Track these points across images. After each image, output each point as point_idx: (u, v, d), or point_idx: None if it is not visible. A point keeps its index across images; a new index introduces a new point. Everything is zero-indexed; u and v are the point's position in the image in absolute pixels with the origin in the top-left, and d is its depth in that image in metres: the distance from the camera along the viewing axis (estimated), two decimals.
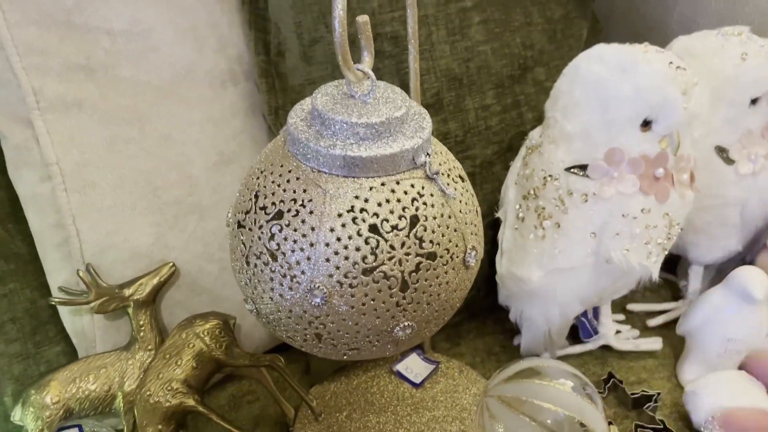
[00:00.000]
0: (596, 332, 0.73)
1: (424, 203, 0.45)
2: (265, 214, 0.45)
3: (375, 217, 0.43)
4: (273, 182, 0.46)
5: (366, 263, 0.43)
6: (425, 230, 0.44)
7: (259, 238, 0.45)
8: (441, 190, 0.46)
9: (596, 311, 0.73)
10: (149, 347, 0.63)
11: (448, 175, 0.47)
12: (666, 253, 0.65)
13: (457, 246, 0.46)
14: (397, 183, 0.44)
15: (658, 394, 0.67)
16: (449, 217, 0.46)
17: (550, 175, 0.65)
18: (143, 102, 0.64)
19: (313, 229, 0.43)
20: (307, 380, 0.74)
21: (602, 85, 0.62)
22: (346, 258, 0.43)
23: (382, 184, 0.44)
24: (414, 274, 0.45)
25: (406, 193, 0.44)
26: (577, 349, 0.74)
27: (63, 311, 0.64)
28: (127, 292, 0.62)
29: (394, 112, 0.45)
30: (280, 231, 0.44)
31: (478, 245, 0.49)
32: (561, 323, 0.69)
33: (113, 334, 0.65)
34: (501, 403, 0.56)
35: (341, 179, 0.44)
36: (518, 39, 0.76)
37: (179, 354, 0.62)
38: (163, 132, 0.65)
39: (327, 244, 0.43)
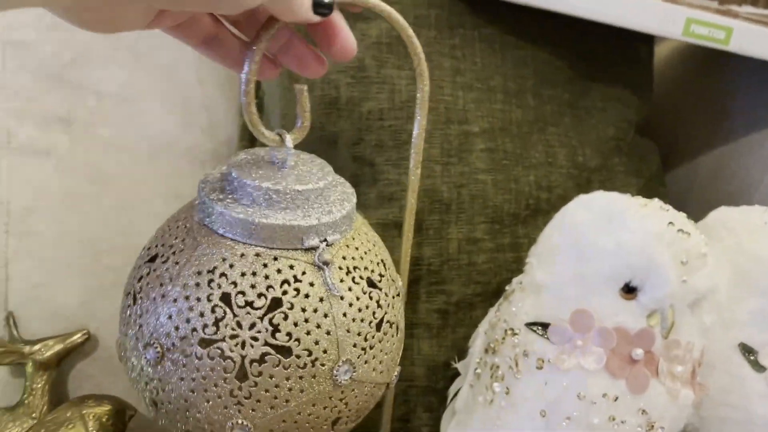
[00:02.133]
0: None
1: (297, 290, 0.40)
2: (145, 253, 0.43)
3: (232, 286, 0.39)
4: (168, 227, 0.44)
5: (206, 333, 0.39)
6: (285, 319, 0.39)
7: (134, 277, 0.43)
8: (326, 283, 0.40)
9: None
10: (33, 415, 0.58)
11: (349, 272, 0.42)
12: None
13: (325, 352, 0.40)
14: (275, 259, 0.40)
15: None
16: (325, 316, 0.40)
17: (511, 329, 0.54)
18: (113, 164, 0.64)
19: (170, 279, 0.40)
20: None
21: (582, 233, 0.52)
22: (188, 321, 0.39)
23: (257, 255, 0.40)
24: (257, 364, 0.39)
25: (279, 271, 0.40)
26: None
27: None
28: (27, 349, 0.59)
29: (296, 184, 0.41)
30: (147, 274, 0.42)
31: (359, 363, 0.42)
32: None
33: (11, 392, 0.61)
34: None
35: (219, 238, 0.40)
36: (532, 177, 0.67)
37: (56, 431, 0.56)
38: (124, 198, 0.64)
39: (174, 300, 0.40)
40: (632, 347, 0.49)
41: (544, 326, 0.52)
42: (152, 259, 0.43)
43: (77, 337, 0.60)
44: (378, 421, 0.59)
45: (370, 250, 0.45)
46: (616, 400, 0.49)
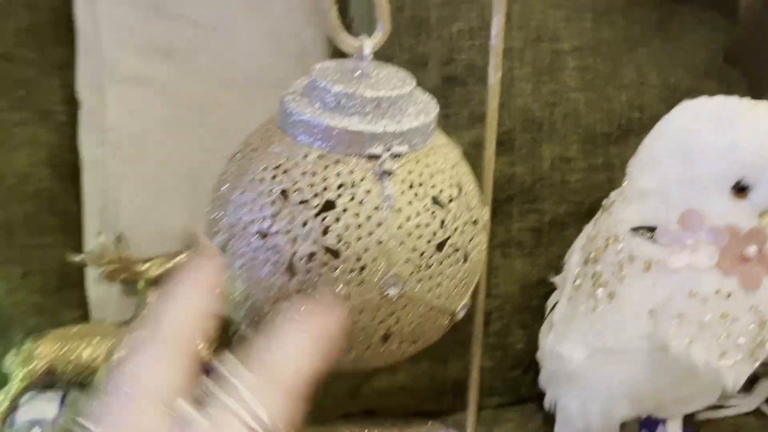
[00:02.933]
0: None
1: (352, 195, 0.39)
2: (231, 153, 0.45)
3: (292, 183, 0.40)
4: (256, 130, 0.44)
5: (263, 225, 0.40)
6: (337, 221, 0.39)
7: (220, 173, 0.44)
8: (383, 193, 0.40)
9: (663, 424, 0.58)
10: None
11: (412, 187, 0.41)
12: (756, 363, 0.50)
13: (374, 261, 0.40)
14: (336, 162, 0.40)
15: None
16: (378, 224, 0.40)
17: (614, 236, 0.54)
18: (210, 93, 0.65)
19: (242, 173, 0.42)
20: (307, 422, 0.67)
21: (689, 136, 0.51)
22: (250, 212, 0.40)
23: (319, 156, 0.40)
24: (305, 261, 0.39)
25: (338, 175, 0.40)
26: None
27: (89, 278, 0.65)
28: (139, 266, 0.62)
29: (367, 90, 0.41)
30: (227, 169, 0.44)
31: (411, 280, 0.41)
32: (602, 426, 0.55)
33: (127, 309, 0.64)
34: None
35: (289, 138, 0.41)
36: (624, 97, 0.67)
37: None
38: (220, 126, 0.65)
39: (242, 192, 0.41)
40: (744, 245, 0.48)
41: (651, 229, 0.52)
42: (234, 156, 0.45)
43: (185, 256, 0.63)
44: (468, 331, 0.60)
45: (444, 171, 0.43)
46: (728, 297, 0.48)
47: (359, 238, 0.40)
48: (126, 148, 0.63)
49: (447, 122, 0.63)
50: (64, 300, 0.66)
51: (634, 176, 0.55)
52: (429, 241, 0.42)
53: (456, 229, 0.43)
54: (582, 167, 0.65)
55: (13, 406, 0.59)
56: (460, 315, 0.46)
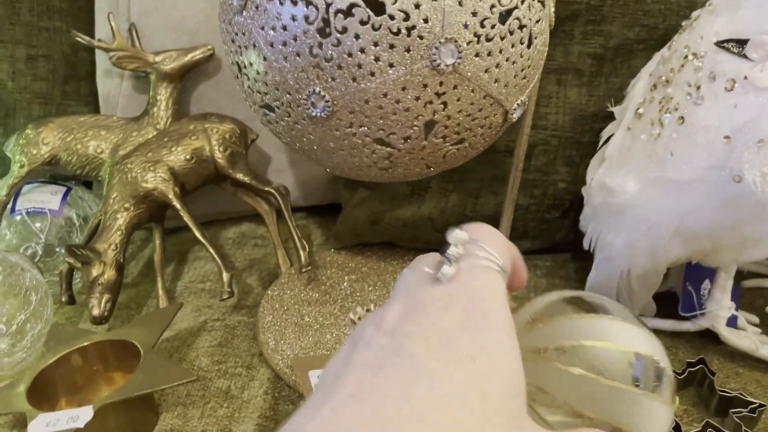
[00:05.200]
0: (702, 308, 0.52)
1: None
2: None
3: None
4: None
5: None
6: None
7: None
8: None
9: (710, 278, 0.52)
10: (158, 125, 0.56)
11: None
12: None
13: (426, 21, 0.33)
14: None
15: (762, 406, 0.45)
16: None
17: (694, 53, 0.46)
18: None
19: None
20: (328, 245, 0.63)
21: None
22: None
23: None
24: (342, 17, 0.33)
25: None
26: (668, 324, 0.53)
27: (99, 70, 0.59)
28: (151, 57, 0.56)
29: None
30: None
31: (467, 52, 0.34)
32: (648, 267, 0.49)
33: (135, 107, 0.59)
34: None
35: None
36: None
37: (178, 141, 0.54)
38: None
39: None
40: None
41: (741, 42, 0.44)
42: None
43: (200, 52, 0.56)
44: (509, 167, 0.53)
45: None
46: None
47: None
48: None
49: None
50: (72, 91, 0.61)
51: None
52: (493, 6, 0.35)
53: (524, 1, 0.36)
54: None
55: (14, 194, 0.55)
56: (515, 115, 0.39)
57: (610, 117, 0.55)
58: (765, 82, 0.42)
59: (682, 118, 0.45)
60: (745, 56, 0.43)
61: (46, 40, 0.59)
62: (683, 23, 0.51)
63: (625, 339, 0.36)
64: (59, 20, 0.59)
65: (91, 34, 0.58)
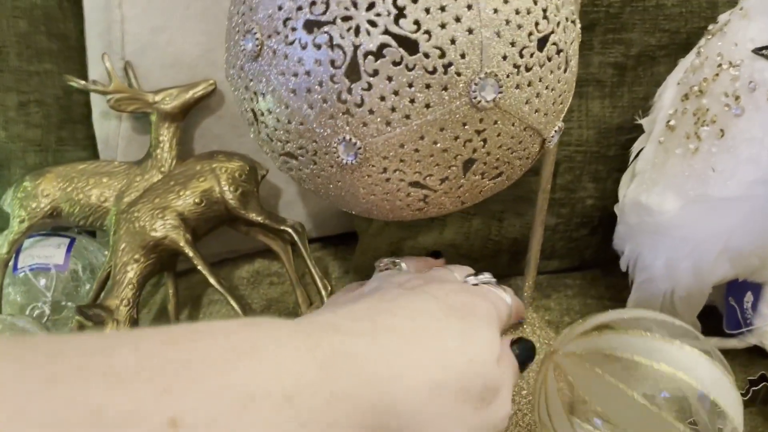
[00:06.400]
0: (748, 324, 0.50)
1: None
2: None
3: None
4: None
5: (312, 12, 0.32)
6: (414, 2, 0.30)
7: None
8: None
9: (757, 294, 0.50)
10: (162, 168, 0.53)
11: None
12: None
13: (463, 57, 0.31)
14: None
15: None
16: (468, 7, 0.31)
17: (729, 62, 0.44)
18: None
19: None
20: (347, 278, 0.60)
21: None
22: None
23: None
24: (372, 59, 0.31)
25: None
26: (713, 342, 0.51)
27: (95, 113, 0.56)
28: (151, 97, 0.53)
29: None
30: None
31: (508, 85, 0.32)
32: (692, 287, 0.47)
33: (136, 149, 0.56)
34: (575, 362, 0.36)
35: None
36: None
37: (186, 184, 0.51)
38: None
39: None
40: None
41: None
42: None
43: (202, 87, 0.54)
44: (534, 186, 0.51)
45: None
46: None
47: (443, 25, 0.31)
48: None
49: None
50: (69, 136, 0.58)
51: None
52: (530, 35, 0.32)
53: (559, 24, 0.34)
54: None
55: (15, 251, 0.52)
56: (553, 142, 0.37)
57: (637, 129, 0.52)
58: None
59: (722, 130, 0.43)
60: None
61: (37, 85, 0.55)
62: (709, 27, 0.49)
63: (696, 373, 0.34)
64: (50, 63, 0.56)
65: (84, 75, 0.55)
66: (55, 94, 0.57)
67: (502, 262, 0.58)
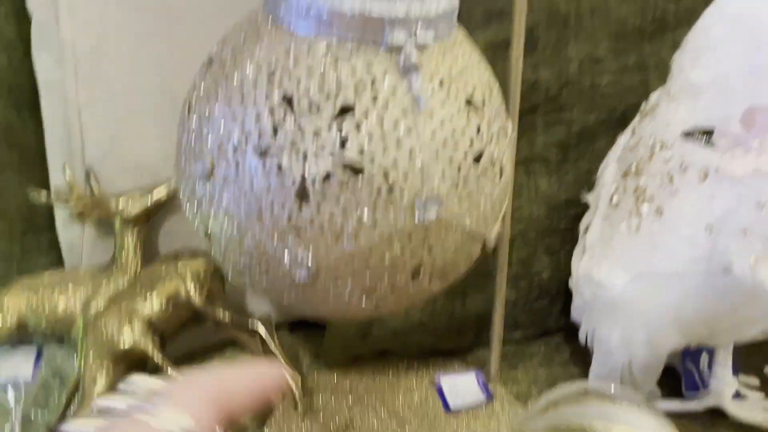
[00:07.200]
0: (705, 385, 0.52)
1: (374, 96, 0.32)
2: (205, 59, 0.38)
3: (295, 84, 0.32)
4: (233, 28, 0.38)
5: (261, 141, 0.33)
6: (357, 129, 0.32)
7: (190, 89, 0.38)
8: (411, 92, 0.32)
9: (711, 355, 0.52)
10: (128, 272, 0.54)
11: (443, 85, 0.33)
12: None
13: (405, 177, 0.32)
14: (350, 56, 0.32)
15: None
16: (408, 132, 0.32)
17: (660, 143, 0.47)
18: None
19: (225, 78, 0.34)
20: (318, 364, 0.61)
21: (754, 18, 0.43)
22: (241, 125, 0.33)
23: (327, 48, 0.32)
24: (321, 184, 0.32)
25: (353, 71, 0.32)
26: (674, 405, 0.53)
27: (59, 220, 0.57)
28: (113, 203, 0.54)
29: None
30: (203, 80, 0.37)
31: (449, 200, 0.34)
32: (648, 357, 0.49)
33: (102, 252, 0.56)
34: None
35: (285, 30, 0.33)
36: None
37: (152, 288, 0.52)
38: (195, 33, 0.56)
39: (228, 101, 0.34)
40: None
41: (707, 133, 0.44)
42: (210, 62, 0.36)
43: (164, 190, 0.55)
44: (491, 265, 0.53)
45: (473, 67, 0.36)
46: None
47: (385, 150, 0.32)
48: (86, 66, 0.54)
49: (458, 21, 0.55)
50: (32, 245, 0.58)
51: (683, 69, 0.47)
52: (466, 153, 0.34)
53: (491, 138, 0.36)
54: (613, 68, 0.57)
55: None
56: (494, 242, 0.39)
57: (584, 203, 0.55)
58: (737, 171, 0.42)
59: (660, 209, 0.46)
60: (712, 145, 0.44)
61: None
62: (642, 105, 0.52)
63: (641, 426, 0.37)
64: (11, 173, 0.57)
65: (46, 184, 0.56)
66: (17, 204, 0.57)
67: (466, 336, 0.59)
